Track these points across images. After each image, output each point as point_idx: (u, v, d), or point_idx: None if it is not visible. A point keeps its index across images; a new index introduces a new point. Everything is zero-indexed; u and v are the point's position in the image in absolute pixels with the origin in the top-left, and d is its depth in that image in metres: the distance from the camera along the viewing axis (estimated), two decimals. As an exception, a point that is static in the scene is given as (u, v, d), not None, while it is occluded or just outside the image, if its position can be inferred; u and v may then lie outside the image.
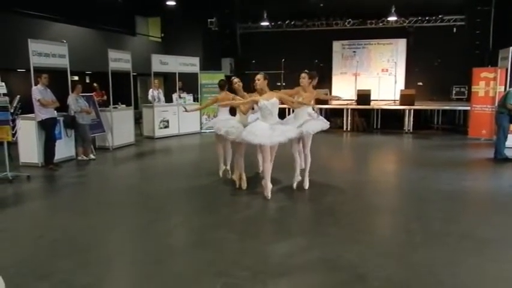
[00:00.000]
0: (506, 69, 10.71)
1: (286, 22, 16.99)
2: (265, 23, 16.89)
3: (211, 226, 4.89)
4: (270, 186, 5.81)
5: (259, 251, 4.13)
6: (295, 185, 6.32)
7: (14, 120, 7.03)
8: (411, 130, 13.15)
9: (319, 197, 6.13)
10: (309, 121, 6.15)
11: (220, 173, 7.07)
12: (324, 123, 6.31)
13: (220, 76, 13.69)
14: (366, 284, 3.45)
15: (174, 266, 3.85)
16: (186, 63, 13.42)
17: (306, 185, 6.34)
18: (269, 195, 5.76)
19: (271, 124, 5.65)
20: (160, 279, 3.56)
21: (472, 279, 3.56)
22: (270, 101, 5.65)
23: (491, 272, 3.67)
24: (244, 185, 6.31)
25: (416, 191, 6.36)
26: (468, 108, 12.28)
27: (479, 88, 11.45)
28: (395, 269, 3.75)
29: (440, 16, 15.60)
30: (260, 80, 5.73)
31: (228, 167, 7.07)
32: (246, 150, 6.44)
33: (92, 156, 8.98)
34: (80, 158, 8.84)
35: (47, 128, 7.99)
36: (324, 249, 4.17)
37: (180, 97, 13.13)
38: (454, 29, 15.55)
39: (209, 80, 13.52)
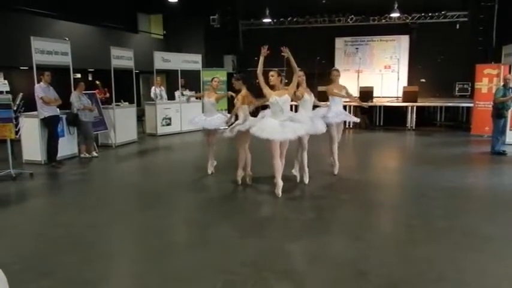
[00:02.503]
0: (510, 66, 10.66)
1: (289, 19, 16.94)
2: (267, 20, 16.84)
3: (213, 223, 4.90)
4: (280, 183, 5.78)
5: (261, 248, 4.14)
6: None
7: (17, 118, 7.05)
8: (414, 127, 13.12)
9: (321, 194, 6.14)
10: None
11: (210, 171, 7.19)
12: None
13: (222, 73, 13.76)
14: (368, 281, 3.46)
15: (176, 263, 3.87)
16: (188, 61, 13.42)
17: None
18: (280, 192, 5.75)
19: (281, 121, 5.63)
20: (162, 276, 3.58)
21: (474, 275, 3.56)
22: (282, 98, 5.62)
23: (493, 268, 3.67)
24: (239, 182, 6.37)
25: (418, 187, 6.34)
26: (471, 105, 12.24)
27: (483, 85, 11.40)
28: (397, 265, 3.75)
29: (443, 12, 15.51)
30: (274, 76, 5.72)
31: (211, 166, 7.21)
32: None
33: (94, 153, 9.00)
34: (82, 155, 8.86)
35: (50, 125, 8.02)
36: (325, 246, 4.18)
37: (182, 94, 13.13)
38: (457, 25, 15.46)
39: (211, 77, 13.48)
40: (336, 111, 6.81)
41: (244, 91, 6.20)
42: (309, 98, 6.33)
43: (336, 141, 6.95)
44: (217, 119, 6.91)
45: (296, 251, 4.12)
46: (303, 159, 6.41)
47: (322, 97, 8.80)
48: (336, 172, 7.01)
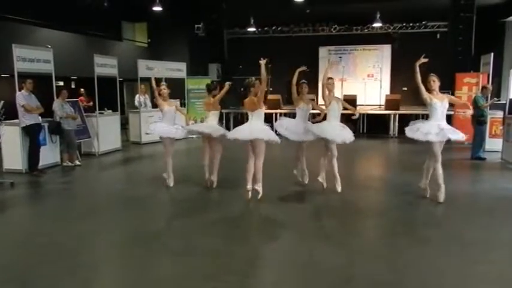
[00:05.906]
0: (488, 75, 10.95)
1: (273, 28, 17.11)
2: (252, 29, 16.97)
3: (197, 230, 4.88)
4: (249, 187, 5.88)
5: (246, 255, 4.14)
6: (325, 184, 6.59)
7: (-3, 126, 6.94)
8: (396, 134, 13.31)
9: (305, 201, 6.17)
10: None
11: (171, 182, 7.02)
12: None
13: (207, 81, 13.74)
14: (353, 287, 3.49)
15: (161, 271, 3.83)
16: (173, 69, 13.37)
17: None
18: (249, 196, 5.85)
19: (254, 125, 5.86)
20: (148, 285, 3.54)
21: (456, 281, 3.62)
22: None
23: (475, 274, 3.75)
24: (211, 185, 6.63)
25: (402, 194, 6.44)
26: (451, 112, 12.47)
27: (462, 93, 11.67)
28: (381, 271, 3.79)
29: (424, 22, 15.90)
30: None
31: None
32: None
33: (77, 162, 8.87)
34: (65, 164, 8.73)
35: (31, 133, 7.89)
36: (311, 252, 4.20)
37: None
38: (438, 35, 15.84)
39: (196, 85, 13.50)
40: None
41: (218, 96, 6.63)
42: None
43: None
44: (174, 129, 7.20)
45: (281, 257, 4.13)
46: (332, 166, 6.51)
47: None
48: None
